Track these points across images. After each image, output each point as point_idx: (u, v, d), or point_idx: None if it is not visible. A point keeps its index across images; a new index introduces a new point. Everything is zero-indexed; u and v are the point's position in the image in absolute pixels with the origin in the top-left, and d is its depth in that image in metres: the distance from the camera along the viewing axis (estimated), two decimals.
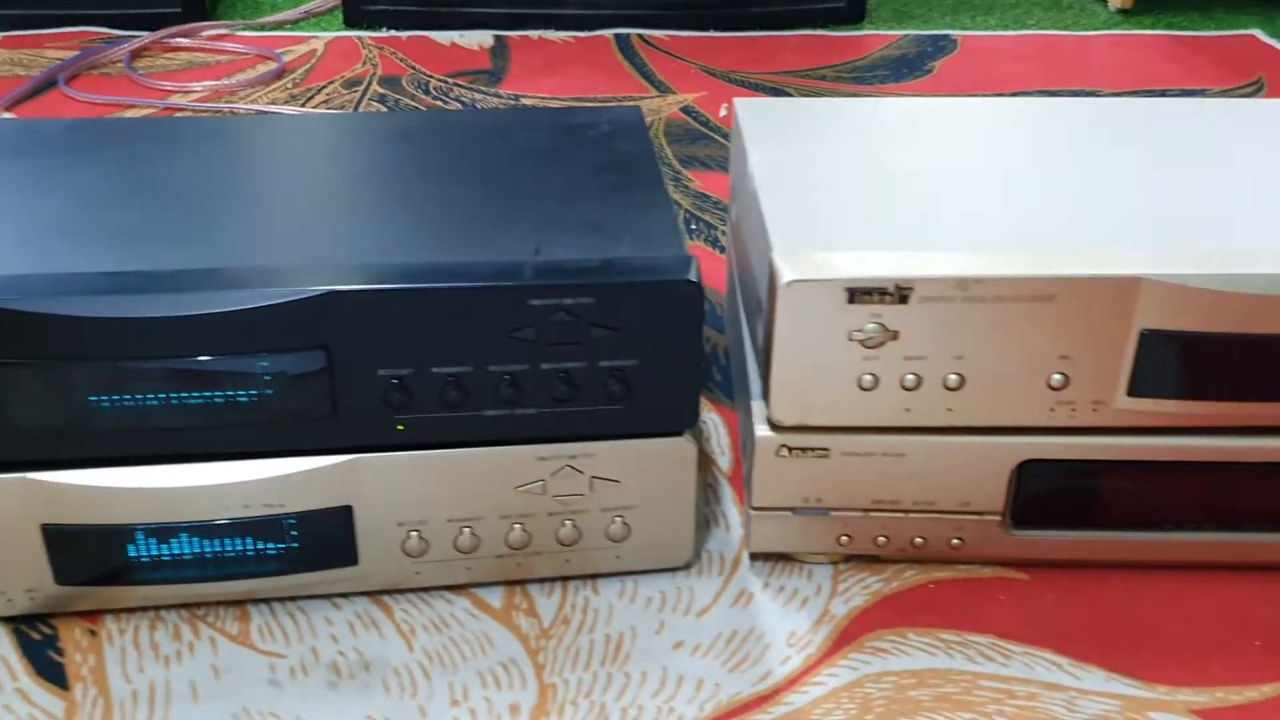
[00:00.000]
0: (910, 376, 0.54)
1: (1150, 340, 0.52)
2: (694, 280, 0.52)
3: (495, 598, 0.58)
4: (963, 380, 0.54)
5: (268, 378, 0.51)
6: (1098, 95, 1.30)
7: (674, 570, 0.60)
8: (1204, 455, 0.55)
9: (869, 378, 0.54)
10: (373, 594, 0.58)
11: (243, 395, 0.52)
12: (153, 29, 1.45)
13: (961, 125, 0.67)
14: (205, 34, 1.47)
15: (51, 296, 0.49)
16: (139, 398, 0.51)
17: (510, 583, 0.59)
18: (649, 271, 0.52)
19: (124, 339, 0.50)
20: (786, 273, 0.52)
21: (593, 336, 0.52)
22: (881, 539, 0.59)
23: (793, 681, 0.53)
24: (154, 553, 0.55)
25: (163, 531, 0.54)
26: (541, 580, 0.59)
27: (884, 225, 0.55)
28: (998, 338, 0.52)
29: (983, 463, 0.56)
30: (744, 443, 0.64)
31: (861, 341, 0.53)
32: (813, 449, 0.56)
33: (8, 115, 1.21)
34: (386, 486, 0.55)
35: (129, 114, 1.23)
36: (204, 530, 0.54)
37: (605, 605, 0.57)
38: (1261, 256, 0.52)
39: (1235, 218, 0.56)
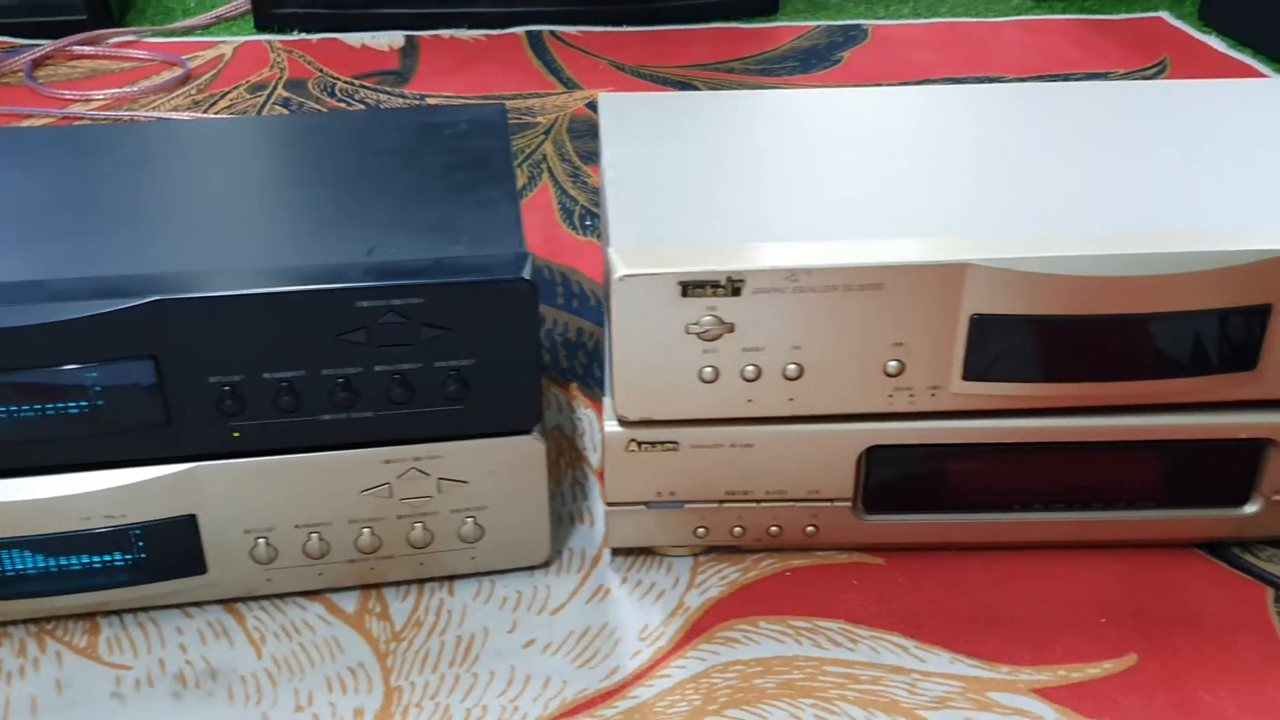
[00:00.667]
0: (750, 368, 0.54)
1: (980, 325, 0.53)
2: (527, 278, 0.52)
3: (349, 602, 0.58)
4: (801, 370, 0.54)
5: (98, 389, 0.51)
6: (1002, 82, 1.31)
7: (532, 569, 0.60)
8: (1044, 436, 0.56)
9: (709, 370, 0.54)
10: (225, 602, 0.57)
11: (74, 407, 0.51)
12: (59, 37, 1.43)
13: (818, 117, 0.68)
14: (112, 41, 1.46)
15: None
16: None
17: (365, 587, 0.58)
18: (482, 270, 0.52)
19: None
20: (620, 267, 0.52)
21: (425, 337, 0.52)
22: (738, 529, 0.59)
23: (640, 675, 0.53)
24: None
25: (3, 545, 0.53)
26: (397, 583, 0.59)
27: (725, 219, 0.55)
28: (831, 326, 0.53)
29: (829, 450, 0.56)
30: None
31: (699, 334, 0.53)
32: (662, 443, 0.56)
33: None
34: (229, 494, 0.54)
35: (26, 124, 1.21)
36: (46, 544, 0.54)
37: (459, 606, 0.57)
38: (1087, 240, 0.52)
39: (1075, 201, 0.56)
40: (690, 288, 0.52)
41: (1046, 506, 0.59)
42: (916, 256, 0.52)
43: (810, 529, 0.59)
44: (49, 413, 0.51)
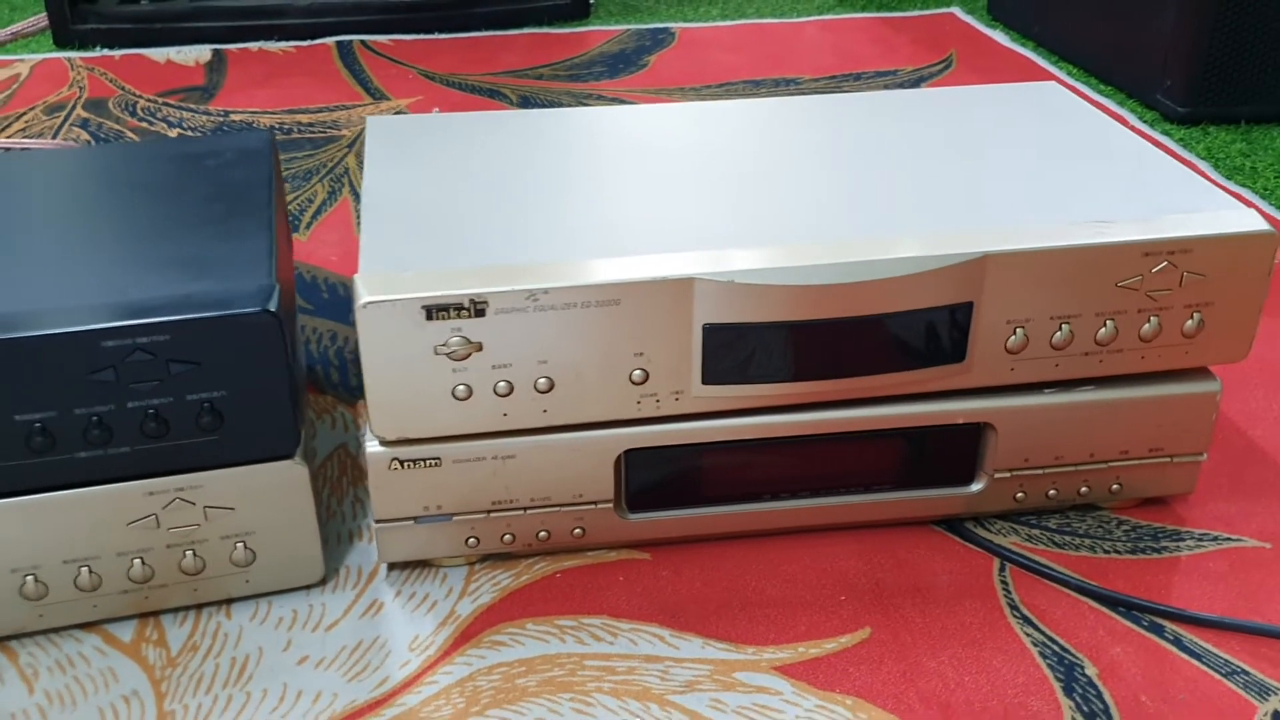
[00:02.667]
0: (501, 384, 0.57)
1: (712, 334, 0.56)
2: (272, 310, 0.53)
3: (126, 632, 0.59)
4: (551, 383, 0.57)
5: None
6: (799, 82, 1.37)
7: (309, 588, 0.61)
8: (783, 431, 0.60)
9: (462, 388, 0.56)
10: None
11: None
12: None
13: (581, 137, 0.71)
14: None
15: None
16: None
17: (143, 615, 0.59)
18: (225, 304, 0.53)
19: None
20: (364, 294, 0.54)
21: (173, 372, 0.53)
22: (507, 536, 0.62)
23: (408, 684, 0.56)
24: None
25: None
26: (175, 610, 0.60)
27: (470, 241, 0.58)
28: (574, 341, 0.56)
29: (587, 456, 0.60)
30: None
31: (447, 355, 0.56)
32: (424, 459, 0.59)
33: None
34: None
35: None
36: None
37: (235, 628, 0.59)
38: (804, 250, 0.57)
39: (802, 213, 0.60)
40: (435, 311, 0.54)
41: (793, 494, 0.63)
42: (648, 273, 0.55)
43: (577, 531, 0.62)
44: None
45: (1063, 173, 0.64)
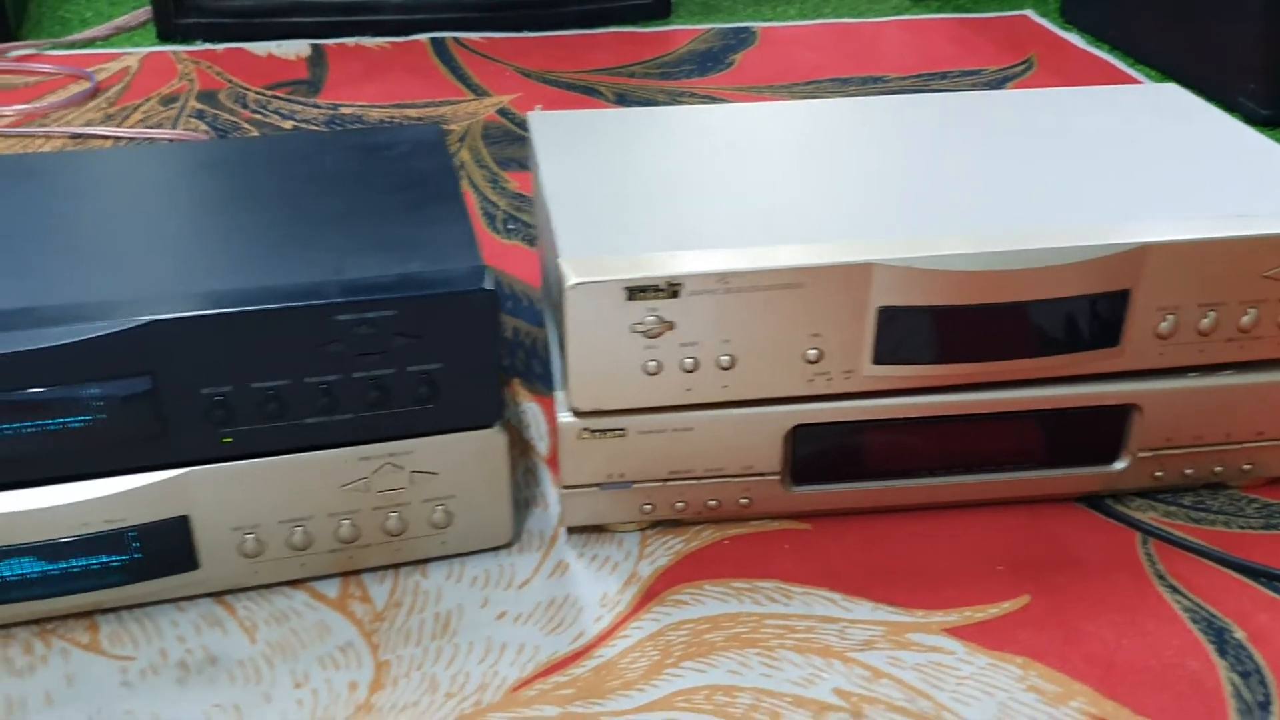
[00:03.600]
0: (688, 360, 0.61)
1: (885, 316, 0.60)
2: (489, 289, 0.58)
3: (331, 589, 0.63)
4: (733, 360, 0.61)
5: (98, 404, 0.55)
6: (886, 80, 1.40)
7: (496, 550, 0.66)
8: (944, 410, 0.64)
9: (652, 364, 0.60)
10: (215, 595, 0.62)
11: (76, 421, 0.55)
12: None
13: (732, 131, 0.75)
14: (12, 54, 1.46)
15: None
16: None
17: (345, 574, 0.64)
18: (446, 283, 0.57)
19: None
20: (571, 276, 0.58)
21: (396, 345, 0.58)
22: (680, 504, 0.66)
23: (603, 638, 0.60)
24: (1, 575, 0.58)
25: (7, 554, 0.57)
26: (374, 569, 0.64)
27: (658, 227, 0.62)
28: (757, 322, 0.60)
29: (759, 430, 0.64)
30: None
31: (643, 333, 0.60)
32: (611, 430, 0.63)
33: None
34: (220, 495, 0.59)
35: None
36: (48, 550, 0.58)
37: (434, 587, 0.63)
38: (975, 238, 0.61)
39: (963, 202, 0.64)
40: (635, 292, 0.59)
41: (948, 471, 0.67)
42: (830, 258, 0.59)
43: (744, 501, 0.66)
44: (52, 428, 0.55)
45: (1197, 169, 0.68)
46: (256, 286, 0.56)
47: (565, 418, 0.63)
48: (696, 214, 0.64)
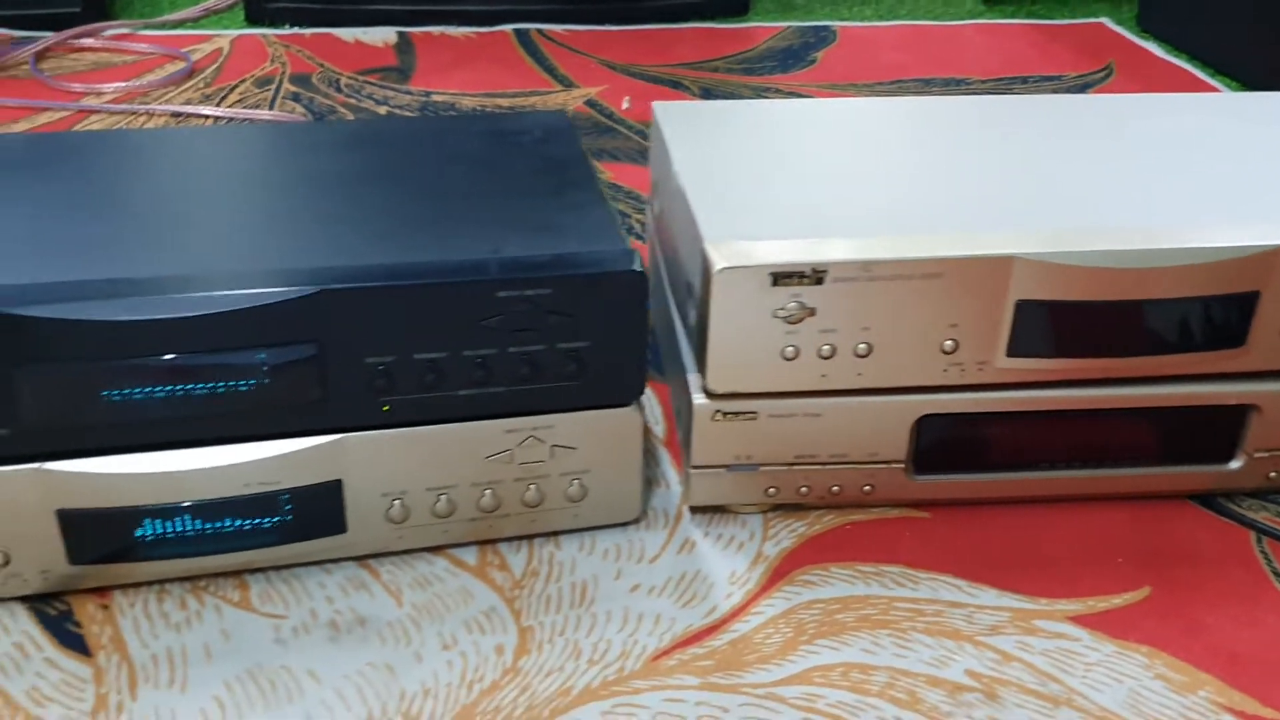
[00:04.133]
0: (826, 347, 0.62)
1: (1023, 309, 0.62)
2: (639, 270, 0.59)
3: (470, 556, 0.65)
4: (870, 348, 0.63)
5: (265, 369, 0.57)
6: (968, 82, 1.41)
7: (624, 525, 0.67)
8: (1071, 405, 0.65)
9: (791, 349, 0.62)
10: (359, 559, 0.64)
11: (242, 385, 0.58)
12: (54, 29, 1.46)
13: (856, 122, 0.76)
14: (108, 33, 1.49)
15: (65, 302, 0.55)
16: (147, 391, 0.57)
17: (481, 542, 0.66)
18: (598, 264, 0.59)
19: (133, 339, 0.55)
20: (718, 261, 0.60)
21: (550, 323, 0.59)
22: (804, 489, 0.67)
23: (736, 613, 0.62)
24: (159, 532, 0.60)
25: (168, 512, 0.60)
26: (509, 539, 0.66)
27: (796, 216, 0.64)
28: (897, 311, 0.62)
29: (888, 419, 0.65)
30: (678, 411, 0.72)
31: (784, 318, 0.61)
32: (743, 413, 0.65)
33: None
34: (372, 461, 0.61)
35: (43, 117, 1.25)
36: (206, 509, 0.60)
37: (568, 558, 0.65)
38: (1113, 234, 0.62)
39: (1091, 200, 0.66)
40: (780, 277, 0.60)
41: (1067, 465, 0.68)
42: (972, 250, 0.61)
43: (867, 488, 0.68)
44: (220, 390, 0.58)
45: None
46: (422, 261, 0.58)
47: (699, 399, 0.64)
48: (832, 203, 0.65)
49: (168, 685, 0.57)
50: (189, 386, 0.57)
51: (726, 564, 0.65)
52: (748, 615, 0.62)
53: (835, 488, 0.68)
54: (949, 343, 0.63)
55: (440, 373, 0.59)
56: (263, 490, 0.60)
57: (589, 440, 0.64)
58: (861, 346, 0.62)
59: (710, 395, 0.64)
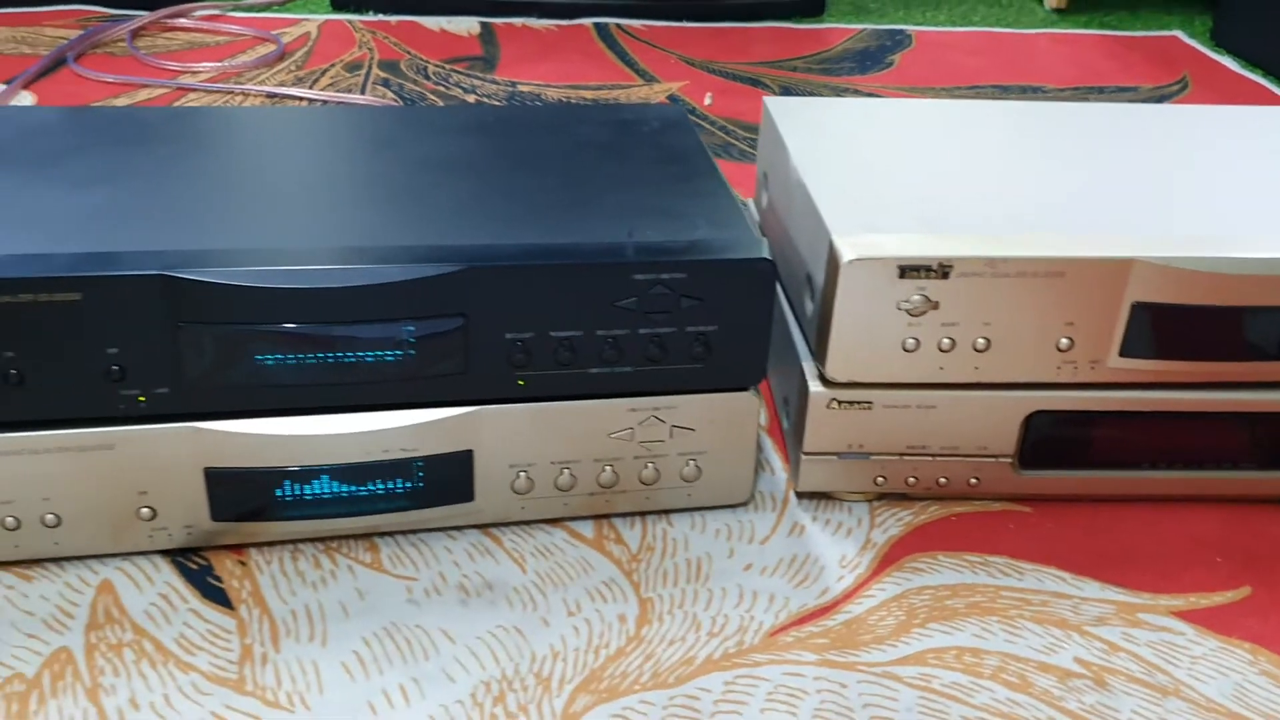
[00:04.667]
0: (946, 340, 0.64)
1: (1139, 311, 0.63)
2: (770, 259, 0.61)
3: (587, 529, 0.67)
4: (989, 343, 0.64)
5: (412, 340, 0.60)
6: (1044, 90, 1.43)
7: (734, 507, 0.70)
8: (1178, 406, 0.67)
9: (911, 341, 0.64)
10: (483, 527, 0.67)
11: (390, 355, 0.60)
12: (147, 8, 1.50)
13: (961, 122, 0.78)
14: (198, 14, 1.52)
15: (229, 267, 0.57)
16: (299, 357, 0.59)
17: (596, 517, 0.68)
18: (732, 251, 0.61)
19: (290, 306, 0.58)
20: (847, 252, 0.62)
21: (683, 306, 0.62)
22: (911, 479, 0.69)
23: (848, 595, 0.64)
24: (297, 493, 0.63)
25: (308, 474, 0.62)
26: (623, 515, 0.68)
27: (920, 210, 0.66)
28: (1018, 307, 0.63)
29: (999, 413, 0.67)
30: (784, 400, 0.74)
31: (908, 310, 0.63)
32: (858, 402, 0.67)
33: (26, 93, 1.26)
34: (503, 434, 0.63)
35: (142, 93, 1.28)
36: (344, 472, 0.63)
37: (681, 535, 0.67)
38: (1232, 242, 0.63)
39: (1202, 207, 0.67)
40: (907, 271, 0.62)
41: (1168, 465, 0.70)
42: (1094, 251, 0.62)
43: (973, 481, 0.69)
44: (368, 360, 0.60)
45: None
46: (564, 243, 0.61)
47: (815, 387, 0.66)
48: (953, 200, 0.67)
49: (308, 639, 0.59)
50: (339, 355, 0.60)
51: (836, 548, 0.67)
52: (860, 598, 0.63)
53: (942, 479, 0.69)
54: (1064, 340, 0.64)
55: (574, 350, 0.62)
56: (400, 457, 0.63)
57: (707, 422, 0.66)
58: (980, 341, 0.64)
59: (828, 383, 0.66)
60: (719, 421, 0.66)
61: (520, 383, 0.62)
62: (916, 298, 0.63)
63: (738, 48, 1.54)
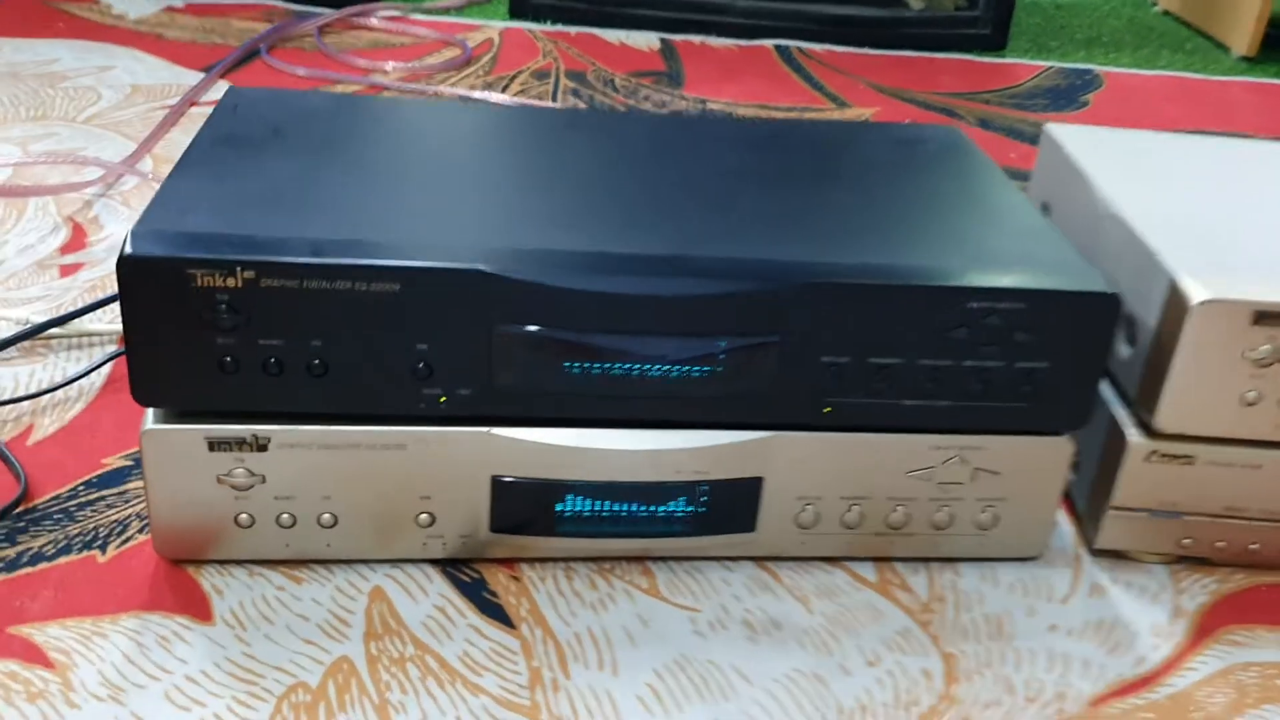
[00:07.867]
0: None
1: None
2: (1114, 293, 0.57)
3: (868, 572, 0.63)
4: None
5: (723, 356, 0.56)
6: (1254, 138, 1.36)
7: (1023, 560, 0.64)
8: None
9: (1252, 394, 0.59)
10: (757, 559, 0.62)
11: (697, 370, 0.56)
12: (333, 6, 1.49)
13: (1248, 162, 0.72)
14: (381, 14, 1.51)
15: (548, 267, 0.54)
16: (605, 366, 0.56)
17: (876, 559, 0.63)
18: (1074, 283, 0.57)
19: (608, 313, 0.54)
20: (1198, 293, 0.57)
21: (1016, 339, 0.57)
22: (1220, 543, 0.64)
23: (1168, 667, 0.58)
24: (578, 508, 0.59)
25: (593, 490, 0.58)
26: (904, 559, 0.64)
27: (1263, 252, 0.60)
28: None
29: None
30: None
31: (1254, 360, 0.58)
32: (1181, 456, 0.61)
33: (224, 81, 1.25)
34: (797, 463, 0.59)
35: (337, 89, 1.27)
36: (628, 490, 0.59)
37: (972, 587, 0.62)
38: None
39: None
40: (1264, 316, 0.57)
41: None
42: None
43: None
44: (674, 374, 0.56)
45: None
46: (892, 263, 0.56)
47: (1135, 437, 0.61)
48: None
49: (598, 667, 0.55)
50: (647, 367, 0.56)
51: (1144, 614, 0.61)
52: (1181, 670, 0.58)
53: (1254, 545, 0.64)
54: None
55: (890, 379, 0.57)
56: (690, 479, 0.59)
57: (1014, 466, 0.61)
58: None
59: (1151, 434, 0.61)
60: (1026, 467, 0.61)
61: (826, 410, 0.58)
62: (1265, 347, 0.57)
63: (925, 77, 1.49)
